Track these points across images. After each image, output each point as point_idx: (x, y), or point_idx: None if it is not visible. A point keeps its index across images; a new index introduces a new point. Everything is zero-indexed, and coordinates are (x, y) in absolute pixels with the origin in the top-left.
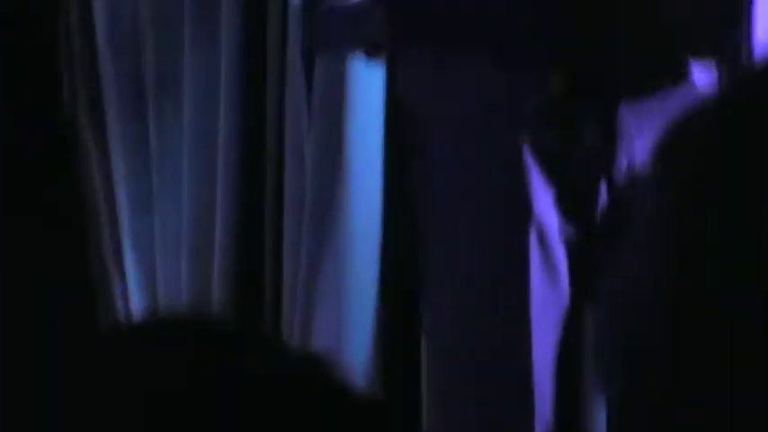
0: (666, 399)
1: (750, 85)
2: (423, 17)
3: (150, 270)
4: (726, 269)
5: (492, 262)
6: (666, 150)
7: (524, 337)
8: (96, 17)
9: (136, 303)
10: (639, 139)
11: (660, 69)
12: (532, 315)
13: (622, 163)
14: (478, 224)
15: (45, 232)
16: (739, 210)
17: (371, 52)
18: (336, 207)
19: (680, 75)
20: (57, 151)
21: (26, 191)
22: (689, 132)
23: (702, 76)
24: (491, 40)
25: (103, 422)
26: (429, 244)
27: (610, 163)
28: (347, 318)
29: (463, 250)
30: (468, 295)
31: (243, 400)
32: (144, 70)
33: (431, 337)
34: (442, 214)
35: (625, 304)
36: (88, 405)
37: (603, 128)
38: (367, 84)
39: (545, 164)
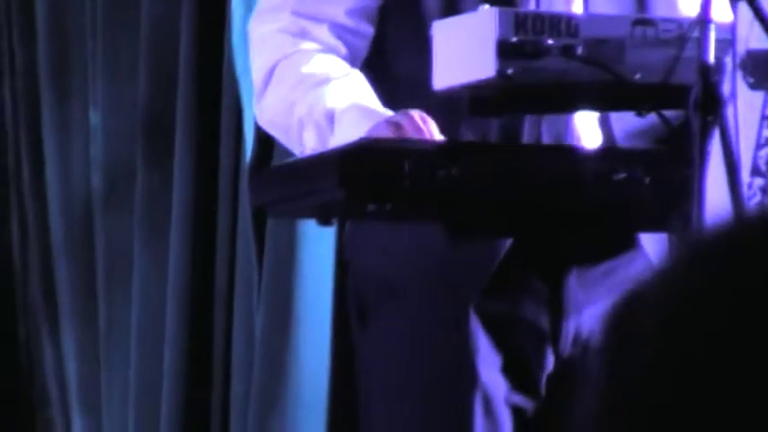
0: None
1: (702, 258)
2: (376, 181)
3: None
4: None
5: (438, 428)
6: (614, 330)
7: None
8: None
9: None
10: (588, 308)
11: (608, 239)
12: None
13: (569, 332)
14: (424, 389)
15: None
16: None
17: (323, 216)
18: (285, 376)
19: (628, 244)
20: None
21: None
22: (638, 311)
23: (653, 245)
24: (445, 207)
25: None
26: (374, 409)
27: (556, 332)
28: None
29: (408, 414)
30: None
31: None
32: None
33: None
34: (388, 378)
35: None
36: None
37: (550, 297)
38: (317, 248)
39: (492, 331)
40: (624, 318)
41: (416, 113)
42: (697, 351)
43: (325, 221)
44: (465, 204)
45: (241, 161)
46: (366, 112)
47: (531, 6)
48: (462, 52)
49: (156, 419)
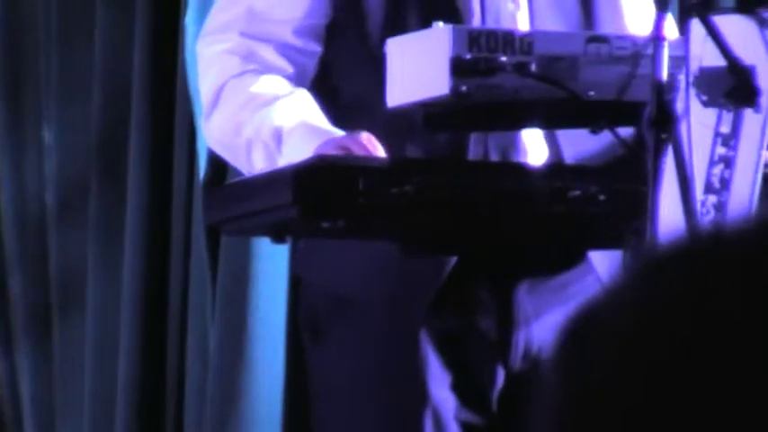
0: None
1: (663, 265)
2: (330, 198)
3: None
4: None
5: None
6: (567, 347)
7: None
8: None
9: None
10: (537, 321)
11: (557, 254)
12: None
13: (519, 345)
14: (375, 406)
15: None
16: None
17: (277, 234)
18: (239, 391)
19: (580, 257)
20: None
21: None
22: (592, 328)
23: (602, 259)
24: (399, 224)
25: None
26: (327, 426)
27: (506, 346)
28: None
29: (359, 431)
30: None
31: None
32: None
33: None
34: (340, 396)
35: None
36: None
37: (500, 312)
38: (272, 263)
39: (442, 348)
40: (584, 326)
41: (365, 135)
42: (663, 353)
43: (279, 239)
44: (419, 221)
45: (195, 178)
46: (314, 130)
47: (477, 22)
48: (416, 70)
49: None
